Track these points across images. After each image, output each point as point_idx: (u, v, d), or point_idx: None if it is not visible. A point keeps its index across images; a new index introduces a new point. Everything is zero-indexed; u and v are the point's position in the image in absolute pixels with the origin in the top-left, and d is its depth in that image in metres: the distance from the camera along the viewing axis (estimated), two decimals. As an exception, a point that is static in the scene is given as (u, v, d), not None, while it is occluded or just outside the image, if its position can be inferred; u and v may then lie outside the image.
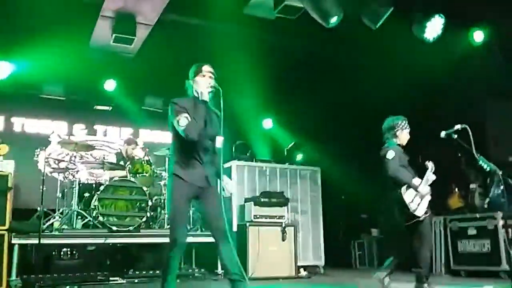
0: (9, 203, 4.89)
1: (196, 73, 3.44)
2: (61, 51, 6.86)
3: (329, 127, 8.09)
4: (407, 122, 4.56)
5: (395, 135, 4.52)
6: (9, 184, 4.91)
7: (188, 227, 6.19)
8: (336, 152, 7.74)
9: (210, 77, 3.43)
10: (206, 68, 3.46)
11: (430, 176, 4.48)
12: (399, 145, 4.52)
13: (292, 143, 8.11)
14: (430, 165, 4.54)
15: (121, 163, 6.67)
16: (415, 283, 4.32)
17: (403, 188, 4.33)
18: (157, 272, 5.93)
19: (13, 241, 5.02)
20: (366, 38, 6.44)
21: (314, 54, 7.61)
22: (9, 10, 6.23)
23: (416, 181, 4.37)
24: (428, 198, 4.41)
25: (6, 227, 4.81)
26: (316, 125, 8.19)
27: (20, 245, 5.13)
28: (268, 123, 9.38)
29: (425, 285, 4.25)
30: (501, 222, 6.04)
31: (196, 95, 3.39)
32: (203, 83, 3.38)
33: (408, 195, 4.32)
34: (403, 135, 4.52)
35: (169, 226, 3.55)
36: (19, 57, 7.11)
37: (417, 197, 4.34)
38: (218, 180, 3.49)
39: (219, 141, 3.44)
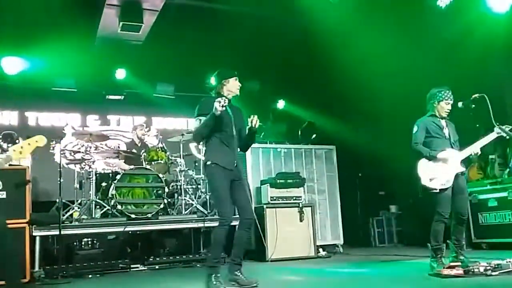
0: (28, 196, 4.93)
1: (222, 77, 4.01)
2: (70, 43, 6.85)
3: (343, 103, 7.97)
4: (448, 93, 4.44)
5: (433, 106, 4.48)
6: (27, 178, 4.95)
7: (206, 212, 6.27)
8: (351, 129, 7.65)
9: (236, 81, 4.02)
10: (231, 73, 4.04)
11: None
12: (435, 115, 4.46)
13: (306, 123, 8.04)
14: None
15: (134, 151, 6.69)
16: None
17: (422, 160, 4.35)
18: (178, 257, 5.98)
19: (34, 233, 5.09)
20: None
21: (324, 31, 7.46)
22: (17, 6, 6.22)
23: (443, 153, 4.29)
24: (453, 169, 4.29)
25: (26, 219, 4.86)
26: (330, 102, 8.09)
27: (41, 237, 5.21)
28: (281, 104, 9.31)
29: (437, 258, 4.21)
30: (522, 192, 5.93)
31: (222, 93, 3.95)
32: (229, 87, 3.99)
33: (424, 168, 4.32)
34: (440, 106, 4.43)
35: (216, 210, 4.16)
36: (29, 52, 7.14)
37: (436, 169, 4.28)
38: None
39: (255, 119, 3.88)
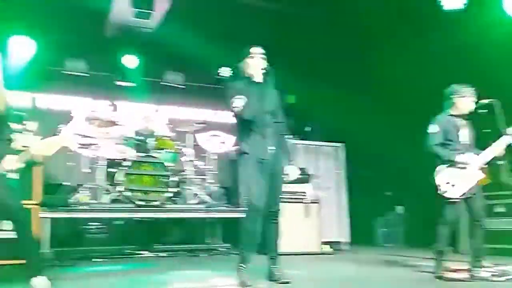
0: (38, 178, 4.95)
1: (246, 55, 3.70)
2: (81, 27, 6.86)
3: (353, 101, 7.94)
4: (471, 90, 4.11)
5: (452, 103, 4.16)
6: (39, 159, 4.96)
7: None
8: (360, 127, 7.62)
9: (260, 58, 3.66)
10: (256, 50, 3.69)
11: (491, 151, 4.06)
12: (453, 114, 4.15)
13: (316, 120, 8.04)
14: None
15: (142, 138, 6.70)
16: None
17: (440, 166, 4.06)
18: (183, 246, 6.03)
19: (43, 215, 5.11)
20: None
21: (335, 22, 7.43)
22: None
23: (462, 157, 3.99)
24: (474, 176, 4.00)
25: (37, 201, 4.89)
26: (339, 99, 8.06)
27: (51, 219, 5.23)
28: (289, 99, 9.28)
29: (441, 261, 4.10)
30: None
31: (248, 76, 3.67)
32: (254, 65, 3.64)
33: (443, 173, 4.03)
34: (461, 104, 4.11)
35: (245, 198, 3.80)
36: (41, 34, 7.12)
37: (456, 176, 3.99)
38: (280, 155, 3.71)
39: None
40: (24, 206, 3.40)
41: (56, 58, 7.79)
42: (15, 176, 4.33)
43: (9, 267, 4.23)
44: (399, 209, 8.24)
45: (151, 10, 6.91)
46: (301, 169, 6.87)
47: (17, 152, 3.12)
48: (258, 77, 3.64)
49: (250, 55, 3.68)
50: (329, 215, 7.26)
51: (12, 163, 3.04)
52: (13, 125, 5.61)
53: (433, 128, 4.13)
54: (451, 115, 4.18)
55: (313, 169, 7.26)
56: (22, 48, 7.15)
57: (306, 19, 7.39)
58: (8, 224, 4.44)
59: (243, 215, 3.79)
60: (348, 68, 7.74)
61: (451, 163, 4.03)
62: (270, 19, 7.17)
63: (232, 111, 3.61)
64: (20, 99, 7.52)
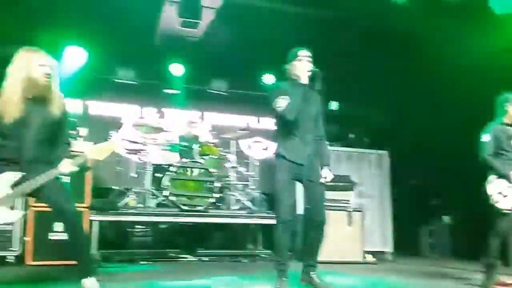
0: (88, 182, 5.18)
1: (293, 57, 3.67)
2: (130, 36, 7.12)
3: (398, 107, 7.80)
4: None
5: (505, 111, 4.07)
6: (88, 164, 5.18)
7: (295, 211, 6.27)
8: (405, 134, 7.46)
9: (307, 61, 3.63)
10: (302, 53, 3.67)
11: None
12: (506, 123, 4.06)
13: (359, 127, 7.95)
14: None
15: (187, 144, 6.85)
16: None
17: (492, 176, 3.99)
18: (226, 251, 6.11)
19: (92, 218, 5.33)
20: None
21: (380, 27, 7.32)
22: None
23: None
24: None
25: (86, 204, 5.11)
26: (386, 106, 7.94)
27: (99, 222, 5.44)
28: (333, 106, 9.23)
29: (490, 274, 3.99)
30: None
31: (294, 78, 3.63)
32: (300, 67, 3.60)
33: (494, 183, 3.96)
34: None
35: (275, 210, 3.75)
36: (93, 44, 7.44)
37: (509, 187, 3.92)
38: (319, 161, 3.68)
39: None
40: (77, 209, 3.55)
41: (106, 66, 8.14)
42: (67, 179, 4.59)
43: (62, 268, 4.45)
44: (446, 218, 7.98)
45: (198, 20, 7.09)
46: (344, 176, 6.84)
47: (71, 156, 3.27)
48: (304, 80, 3.59)
49: (298, 58, 3.64)
50: (372, 224, 7.13)
51: (68, 167, 3.19)
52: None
53: (485, 137, 4.05)
54: (504, 123, 4.09)
55: (356, 177, 7.16)
56: (74, 57, 7.50)
57: (351, 25, 7.33)
58: (60, 226, 4.71)
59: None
60: (393, 72, 7.59)
61: (504, 176, 3.94)
62: (314, 24, 7.15)
63: (275, 111, 3.58)
64: (72, 106, 7.89)
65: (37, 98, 3.19)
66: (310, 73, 3.58)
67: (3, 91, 3.15)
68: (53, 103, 3.25)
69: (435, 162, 7.16)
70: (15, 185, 3.13)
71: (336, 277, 4.52)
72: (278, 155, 3.60)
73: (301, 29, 6.99)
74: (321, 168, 3.71)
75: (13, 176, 3.14)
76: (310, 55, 3.67)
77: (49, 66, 3.23)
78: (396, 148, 7.57)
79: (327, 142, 3.92)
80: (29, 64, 3.17)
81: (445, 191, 7.52)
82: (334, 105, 9.19)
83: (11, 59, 3.23)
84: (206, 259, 5.90)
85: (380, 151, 7.55)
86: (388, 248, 7.16)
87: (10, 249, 4.85)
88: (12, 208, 3.26)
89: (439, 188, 7.65)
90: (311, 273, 3.63)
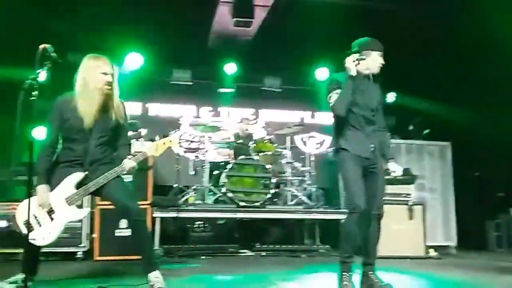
0: (150, 181, 5.39)
1: (363, 48, 3.50)
2: (186, 38, 7.32)
3: (460, 96, 7.44)
4: None
5: None
6: (149, 164, 5.41)
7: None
8: (468, 124, 7.11)
9: (379, 54, 3.52)
10: (375, 44, 3.55)
11: None
12: None
13: (418, 118, 7.69)
14: None
15: (240, 141, 6.94)
16: None
17: None
18: (283, 246, 6.16)
19: (154, 215, 5.56)
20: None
21: (440, 20, 7.04)
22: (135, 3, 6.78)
23: None
24: None
25: (149, 202, 5.33)
26: (447, 96, 7.60)
27: (161, 218, 5.66)
28: (391, 97, 8.97)
29: None
30: None
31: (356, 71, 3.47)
32: (371, 59, 3.48)
33: None
34: None
35: (345, 199, 3.70)
36: (150, 47, 7.71)
37: None
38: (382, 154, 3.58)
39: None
40: (140, 206, 3.71)
41: (163, 69, 8.41)
42: (130, 178, 4.81)
43: (127, 263, 4.68)
44: (513, 211, 7.55)
45: (251, 19, 7.17)
46: (405, 169, 6.64)
47: (131, 156, 3.44)
48: (367, 73, 3.51)
49: (367, 49, 3.48)
50: (435, 218, 6.91)
51: (129, 164, 3.36)
52: (129, 132, 6.24)
53: None
54: None
55: (417, 170, 6.95)
56: (133, 62, 7.81)
57: (409, 17, 7.10)
58: (125, 223, 4.95)
59: (343, 216, 3.61)
60: (454, 62, 7.27)
61: None
62: (369, 17, 7.00)
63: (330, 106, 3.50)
64: (133, 108, 8.24)
65: (101, 105, 3.38)
66: (380, 66, 3.50)
67: (78, 100, 3.34)
68: (114, 109, 3.43)
69: (500, 153, 6.78)
70: (79, 185, 3.34)
71: (396, 274, 4.41)
72: (341, 148, 3.50)
73: (354, 21, 6.87)
74: (387, 162, 3.62)
75: (78, 176, 3.35)
76: (382, 47, 3.53)
77: (110, 74, 3.40)
78: (458, 139, 7.26)
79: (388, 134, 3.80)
80: (94, 73, 3.35)
81: (511, 183, 7.10)
82: (391, 96, 8.94)
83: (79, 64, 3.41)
84: (264, 254, 5.98)
85: (442, 143, 7.27)
86: (452, 242, 6.91)
87: (79, 245, 5.18)
88: (79, 206, 3.49)
89: (505, 180, 7.23)
90: (369, 273, 3.50)
